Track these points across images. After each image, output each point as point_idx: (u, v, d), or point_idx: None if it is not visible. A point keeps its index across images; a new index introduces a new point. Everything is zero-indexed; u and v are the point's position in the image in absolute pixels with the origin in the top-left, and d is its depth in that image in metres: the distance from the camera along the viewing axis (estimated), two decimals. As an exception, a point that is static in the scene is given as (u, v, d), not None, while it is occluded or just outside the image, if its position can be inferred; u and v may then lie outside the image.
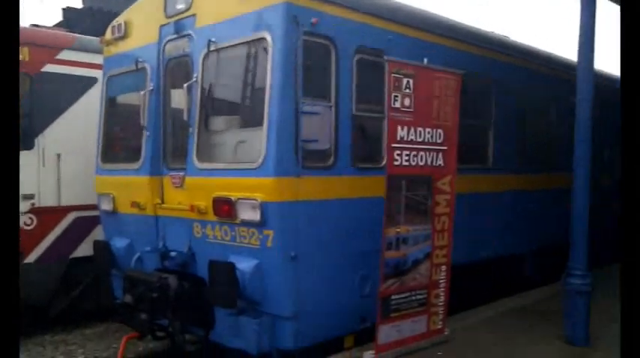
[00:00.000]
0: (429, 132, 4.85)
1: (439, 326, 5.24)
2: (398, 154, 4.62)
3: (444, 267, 5.16)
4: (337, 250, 5.19)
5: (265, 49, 4.79)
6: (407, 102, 4.63)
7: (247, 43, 5.04)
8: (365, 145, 5.64)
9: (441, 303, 5.19)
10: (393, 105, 4.52)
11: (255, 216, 4.82)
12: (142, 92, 6.02)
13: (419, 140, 4.78)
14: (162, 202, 5.96)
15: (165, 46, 5.99)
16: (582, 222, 5.15)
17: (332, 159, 5.15)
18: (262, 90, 4.85)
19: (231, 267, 4.82)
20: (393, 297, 4.74)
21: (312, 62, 5.01)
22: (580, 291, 5.11)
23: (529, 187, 7.94)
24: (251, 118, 5.26)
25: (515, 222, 7.63)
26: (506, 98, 7.38)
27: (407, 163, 4.69)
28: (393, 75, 4.48)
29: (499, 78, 7.20)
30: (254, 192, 4.82)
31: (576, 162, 5.23)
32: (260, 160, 4.81)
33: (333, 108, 5.12)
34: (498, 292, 7.57)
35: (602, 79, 9.74)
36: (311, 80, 5.07)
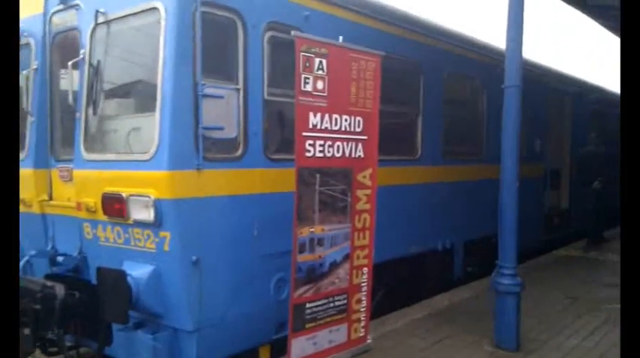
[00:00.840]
0: (346, 120, 4.33)
1: (361, 335, 4.76)
2: (310, 144, 4.07)
3: (365, 269, 4.69)
4: (248, 252, 4.61)
5: (158, 21, 4.12)
6: (320, 85, 4.08)
7: (138, 13, 4.33)
8: (280, 134, 5.07)
9: (362, 309, 4.71)
10: (303, 89, 3.96)
11: (148, 215, 4.17)
12: (25, 71, 5.21)
13: (335, 128, 4.25)
14: (50, 199, 5.19)
15: (51, 17, 5.19)
16: (510, 218, 4.80)
17: (241, 149, 4.54)
18: (155, 69, 4.18)
19: (121, 274, 4.16)
20: (307, 305, 4.22)
21: (214, 38, 4.38)
22: (509, 292, 4.77)
23: (461, 178, 7.69)
24: (145, 102, 4.57)
25: (446, 214, 7.33)
26: (436, 85, 7.00)
27: (321, 154, 4.16)
28: (302, 53, 3.91)
29: (429, 63, 6.79)
30: (147, 188, 4.17)
31: (504, 153, 4.86)
32: (153, 151, 4.16)
33: (241, 92, 4.51)
34: (430, 289, 7.27)
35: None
36: (214, 59, 4.43)
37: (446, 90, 7.23)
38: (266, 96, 4.69)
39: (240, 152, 4.54)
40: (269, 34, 4.67)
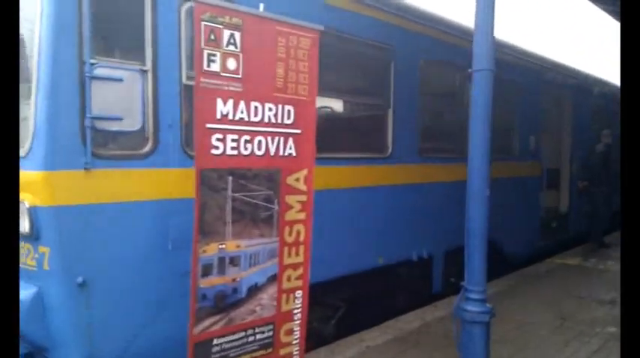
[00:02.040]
0: (271, 109, 3.48)
1: (294, 371, 3.93)
2: (219, 139, 3.23)
3: (299, 293, 3.84)
4: (160, 270, 3.79)
5: (33, -16, 3.30)
6: (232, 64, 3.23)
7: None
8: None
9: (295, 341, 3.87)
10: (206, 68, 3.11)
11: (23, 226, 3.37)
12: None
13: (255, 119, 3.40)
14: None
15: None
16: (479, 233, 3.94)
17: (149, 144, 3.71)
18: (32, 43, 3.37)
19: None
20: (215, 342, 3.37)
21: (110, 6, 3.56)
22: (476, 321, 3.92)
23: (442, 179, 6.86)
24: (25, 85, 3.76)
25: (423, 220, 6.45)
26: (411, 74, 6.13)
27: (234, 152, 3.31)
28: (204, 23, 3.07)
29: (401, 48, 5.92)
30: (22, 192, 3.35)
31: (472, 151, 3.99)
32: (27, 146, 3.35)
33: (149, 74, 3.67)
34: (404, 305, 6.45)
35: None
36: (110, 32, 3.62)
37: (424, 81, 6.37)
38: (185, 81, 3.87)
39: (148, 148, 3.71)
40: (187, 4, 3.83)
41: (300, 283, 3.83)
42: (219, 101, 3.20)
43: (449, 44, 6.70)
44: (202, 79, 3.11)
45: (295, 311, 3.84)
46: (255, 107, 3.39)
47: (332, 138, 5.24)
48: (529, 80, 8.71)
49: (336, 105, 5.64)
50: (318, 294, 4.99)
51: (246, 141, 3.37)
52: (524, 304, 6.20)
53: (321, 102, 4.97)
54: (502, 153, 8.17)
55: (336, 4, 5.10)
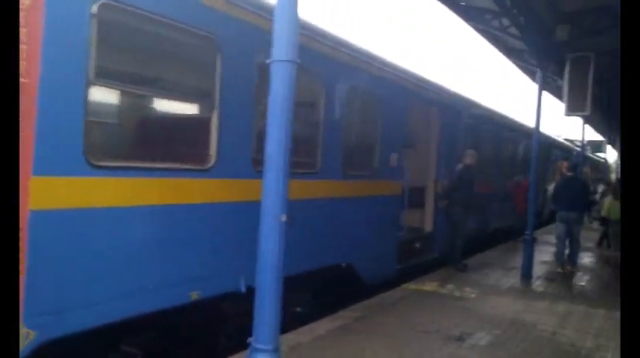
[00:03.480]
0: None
1: None
2: None
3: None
4: None
5: None
6: None
7: None
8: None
9: None
10: None
11: None
12: None
13: None
14: None
15: None
16: (272, 272, 3.01)
17: None
18: None
19: None
20: None
21: None
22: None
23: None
24: None
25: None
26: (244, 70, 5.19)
27: None
28: None
29: (231, 40, 4.97)
30: None
31: (267, 162, 3.07)
32: None
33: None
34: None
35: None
36: None
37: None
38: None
39: None
40: None
41: None
42: None
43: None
44: None
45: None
46: None
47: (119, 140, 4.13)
48: (392, 94, 8.16)
49: (123, 99, 4.46)
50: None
51: None
52: (364, 343, 5.42)
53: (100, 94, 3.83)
54: (358, 171, 7.51)
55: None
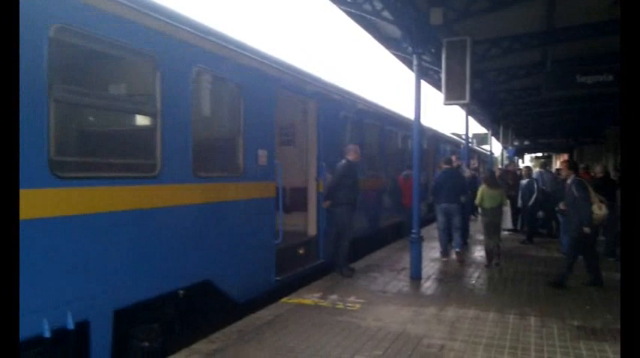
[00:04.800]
0: None
1: None
2: None
3: None
4: None
5: None
6: None
7: None
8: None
9: None
10: None
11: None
12: None
13: None
14: None
15: None
16: None
17: None
18: None
19: None
20: None
21: None
22: None
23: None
24: None
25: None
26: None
27: None
28: None
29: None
30: None
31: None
32: None
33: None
34: None
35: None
36: None
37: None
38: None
39: None
40: None
41: None
42: None
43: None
44: None
45: None
46: None
47: None
48: (255, 82, 7.12)
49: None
50: None
51: None
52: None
53: None
54: (215, 171, 6.37)
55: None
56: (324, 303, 7.05)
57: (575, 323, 6.38)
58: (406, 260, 9.78)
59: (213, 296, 6.37)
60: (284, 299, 7.23)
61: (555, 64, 11.78)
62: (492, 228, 10.15)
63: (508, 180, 15.03)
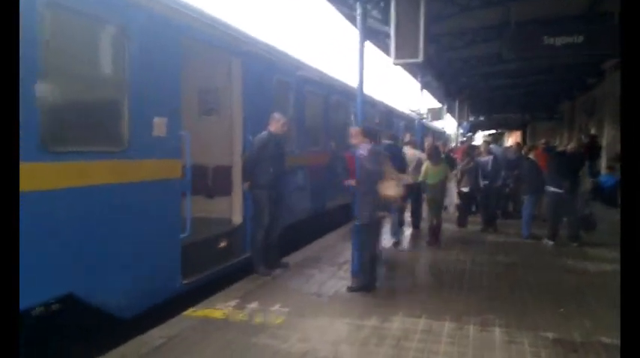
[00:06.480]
0: None
1: None
2: None
3: None
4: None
5: None
6: None
7: None
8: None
9: None
10: None
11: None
12: None
13: None
14: None
15: None
16: None
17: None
18: None
19: None
20: None
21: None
22: None
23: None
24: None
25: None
26: None
27: None
28: None
29: None
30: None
31: None
32: None
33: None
34: None
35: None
36: None
37: None
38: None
39: None
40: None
41: None
42: None
43: None
44: None
45: None
46: None
47: None
48: (152, 29, 5.43)
49: None
50: None
51: None
52: None
53: None
54: (82, 145, 4.67)
55: None
56: (239, 316, 5.52)
57: (550, 335, 5.12)
58: (350, 250, 8.38)
59: (84, 313, 4.77)
60: (188, 312, 5.66)
61: (520, 27, 10.49)
62: (435, 204, 9.76)
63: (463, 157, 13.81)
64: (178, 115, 6.00)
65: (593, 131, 20.21)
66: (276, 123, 7.26)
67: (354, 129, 6.83)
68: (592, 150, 16.18)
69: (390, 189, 6.37)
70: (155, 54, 5.54)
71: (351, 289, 6.55)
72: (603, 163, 17.59)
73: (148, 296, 5.54)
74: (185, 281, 6.14)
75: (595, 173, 15.66)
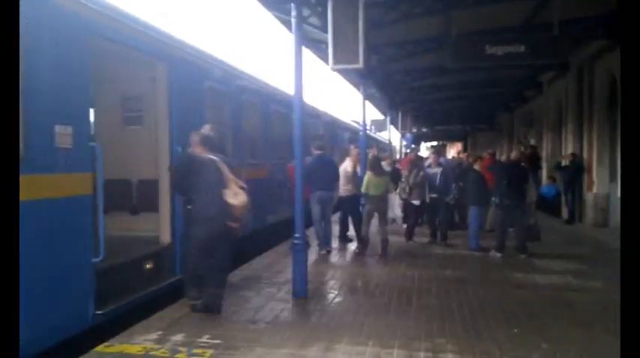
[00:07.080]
0: None
1: None
2: None
3: None
4: None
5: None
6: None
7: None
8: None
9: None
10: None
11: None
12: None
13: None
14: None
15: None
16: None
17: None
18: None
19: None
20: None
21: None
22: None
23: None
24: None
25: None
26: None
27: None
28: None
29: None
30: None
31: None
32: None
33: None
34: None
35: None
36: None
37: None
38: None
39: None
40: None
41: None
42: None
43: None
44: None
45: None
46: None
47: None
48: (49, 24, 4.71)
49: None
50: None
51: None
52: None
53: None
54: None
55: None
56: (159, 352, 4.79)
57: (506, 360, 4.70)
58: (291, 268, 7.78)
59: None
60: (100, 347, 4.88)
61: (462, 37, 10.32)
62: (380, 216, 9.69)
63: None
64: (88, 124, 5.27)
65: (532, 142, 20.58)
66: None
67: (194, 137, 6.12)
68: (533, 161, 16.33)
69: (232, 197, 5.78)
70: (54, 51, 4.80)
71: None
72: (544, 174, 17.85)
73: (53, 331, 4.74)
74: (99, 312, 5.36)
75: (537, 184, 15.79)
